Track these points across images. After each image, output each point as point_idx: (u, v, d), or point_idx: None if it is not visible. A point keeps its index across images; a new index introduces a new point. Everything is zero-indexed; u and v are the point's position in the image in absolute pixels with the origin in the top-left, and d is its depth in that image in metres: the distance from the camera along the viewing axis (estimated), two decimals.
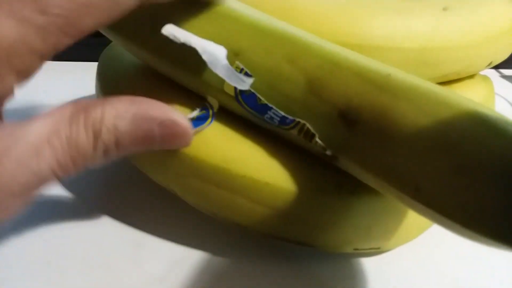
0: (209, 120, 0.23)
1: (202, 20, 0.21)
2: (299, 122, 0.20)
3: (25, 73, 0.16)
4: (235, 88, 0.21)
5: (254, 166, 0.22)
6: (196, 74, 0.22)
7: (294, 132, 0.21)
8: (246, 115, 0.22)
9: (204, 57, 0.20)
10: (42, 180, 0.17)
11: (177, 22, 0.21)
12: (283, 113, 0.20)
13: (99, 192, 0.30)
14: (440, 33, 0.28)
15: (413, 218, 0.24)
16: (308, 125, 0.20)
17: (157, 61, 0.24)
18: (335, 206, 0.22)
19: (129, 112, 0.18)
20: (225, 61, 0.20)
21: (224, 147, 0.22)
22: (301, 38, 0.21)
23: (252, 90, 0.21)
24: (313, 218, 0.22)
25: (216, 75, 0.21)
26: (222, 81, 0.21)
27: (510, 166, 0.15)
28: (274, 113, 0.21)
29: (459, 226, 0.15)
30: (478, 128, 0.16)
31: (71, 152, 0.17)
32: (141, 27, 0.23)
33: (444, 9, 0.29)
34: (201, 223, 0.27)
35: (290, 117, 0.20)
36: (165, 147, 0.21)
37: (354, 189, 0.22)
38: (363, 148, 0.19)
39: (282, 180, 0.22)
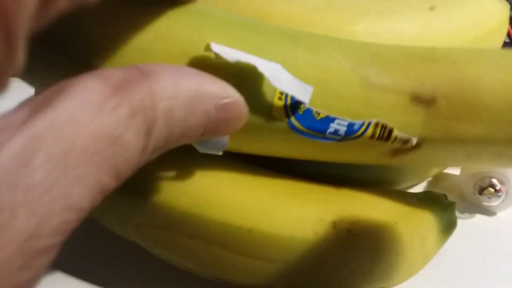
0: None
1: (225, 35, 0.17)
2: (370, 122, 0.17)
3: None
4: (286, 110, 0.17)
5: (234, 210, 0.18)
6: None
7: (366, 137, 0.18)
8: (291, 147, 0.19)
9: (266, 73, 0.16)
10: (80, 214, 0.11)
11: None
12: (349, 120, 0.17)
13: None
14: (427, 35, 0.26)
15: (415, 251, 0.21)
16: (382, 121, 0.18)
17: None
18: (332, 249, 0.19)
19: (182, 89, 0.13)
20: (288, 74, 0.16)
21: (195, 189, 0.19)
22: (331, 39, 0.19)
23: (307, 106, 0.17)
24: (307, 266, 0.19)
25: (258, 103, 0.17)
26: (267, 108, 0.17)
27: None
28: (338, 124, 0.17)
29: None
30: None
31: (116, 161, 0.11)
32: None
33: (431, 8, 0.28)
34: (173, 275, 0.23)
35: (359, 122, 0.17)
36: (210, 136, 0.15)
37: (351, 226, 0.19)
38: (452, 120, 0.18)
39: (268, 225, 0.18)
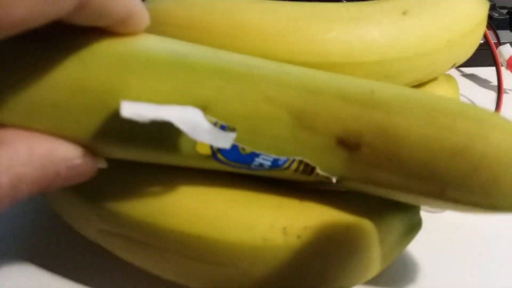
0: None
1: (149, 80, 0.17)
2: (294, 159, 0.18)
3: None
4: (212, 147, 0.18)
5: (185, 218, 0.19)
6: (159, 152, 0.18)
7: (290, 170, 0.18)
8: (223, 169, 0.19)
9: (183, 127, 0.15)
10: None
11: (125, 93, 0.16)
12: (274, 156, 0.18)
13: (24, 240, 0.27)
14: (400, 42, 0.26)
15: (371, 253, 0.21)
16: (306, 159, 0.18)
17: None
18: (281, 255, 0.19)
19: (34, 156, 0.15)
20: (207, 124, 0.16)
21: (149, 198, 0.19)
22: (271, 71, 0.18)
23: (234, 142, 0.17)
24: (258, 271, 0.19)
25: (183, 143, 0.17)
26: (191, 145, 0.17)
27: None
28: (263, 159, 0.18)
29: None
30: (481, 128, 0.17)
31: None
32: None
33: (404, 13, 0.27)
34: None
35: (283, 158, 0.18)
36: (63, 186, 0.17)
37: (301, 232, 0.19)
38: (371, 167, 0.18)
39: (218, 231, 0.19)
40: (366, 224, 0.21)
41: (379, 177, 0.18)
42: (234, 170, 0.19)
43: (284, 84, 0.18)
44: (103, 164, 0.18)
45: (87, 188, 0.20)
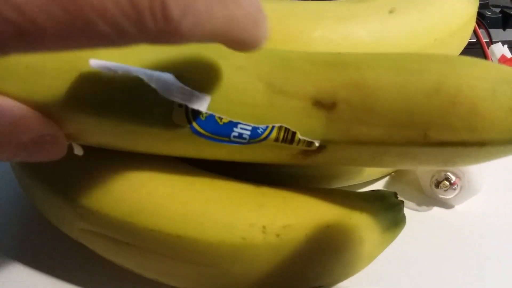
0: None
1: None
2: (273, 126, 0.18)
3: None
4: (187, 116, 0.17)
5: (164, 217, 0.19)
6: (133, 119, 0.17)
7: (270, 140, 0.18)
8: (201, 150, 0.19)
9: (154, 84, 0.16)
10: None
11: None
12: (252, 124, 0.18)
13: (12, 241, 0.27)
14: (387, 41, 0.26)
15: (351, 252, 0.21)
16: (285, 125, 0.18)
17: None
18: (261, 253, 0.19)
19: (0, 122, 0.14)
20: (178, 83, 0.16)
21: (129, 197, 0.19)
22: None
23: (209, 112, 0.17)
24: (238, 269, 0.19)
25: (159, 112, 0.17)
26: (167, 115, 0.17)
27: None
28: (242, 128, 0.18)
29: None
30: (451, 65, 0.17)
31: None
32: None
33: (391, 11, 0.27)
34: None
35: (262, 126, 0.18)
36: (27, 160, 0.16)
37: (280, 231, 0.19)
38: (351, 124, 0.18)
39: (197, 231, 0.19)
40: (347, 222, 0.21)
41: (360, 132, 0.18)
42: (217, 156, 0.19)
43: (255, 55, 0.18)
44: (79, 151, 0.18)
45: (67, 187, 0.20)
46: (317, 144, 0.18)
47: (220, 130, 0.18)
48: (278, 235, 0.19)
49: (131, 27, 0.10)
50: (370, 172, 0.29)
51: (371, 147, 0.18)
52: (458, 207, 0.30)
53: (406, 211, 0.24)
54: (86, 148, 0.19)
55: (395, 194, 0.24)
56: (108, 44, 0.11)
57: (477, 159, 0.18)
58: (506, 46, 0.40)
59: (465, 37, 0.30)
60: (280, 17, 0.25)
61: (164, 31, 0.11)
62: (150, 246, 0.19)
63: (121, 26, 0.10)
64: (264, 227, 0.19)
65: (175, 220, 0.19)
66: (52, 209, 0.21)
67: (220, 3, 0.12)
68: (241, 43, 0.13)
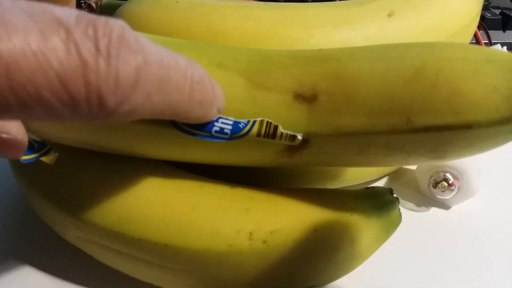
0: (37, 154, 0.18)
1: None
2: (255, 121, 0.17)
3: None
4: None
5: (151, 227, 0.18)
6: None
7: (253, 135, 0.17)
8: (184, 148, 0.18)
9: None
10: None
11: None
12: (233, 119, 0.17)
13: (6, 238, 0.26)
14: None
15: (342, 253, 0.21)
16: (266, 119, 0.17)
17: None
18: (247, 259, 0.19)
19: None
20: None
21: (117, 207, 0.19)
22: (220, 45, 0.19)
23: None
24: (225, 275, 0.19)
25: None
26: None
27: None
28: (223, 123, 0.17)
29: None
30: (431, 49, 0.17)
31: None
32: None
33: (389, 15, 0.26)
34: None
35: (243, 120, 0.17)
36: None
37: (267, 236, 0.19)
38: (333, 114, 0.17)
39: (183, 239, 0.18)
40: (337, 223, 0.20)
41: (343, 123, 0.17)
42: (202, 157, 0.18)
43: (234, 53, 0.18)
44: (50, 161, 0.17)
45: (59, 198, 0.20)
46: (299, 137, 0.17)
47: (201, 125, 0.17)
48: (264, 241, 0.18)
49: (67, 113, 0.11)
50: (367, 172, 0.29)
51: (355, 138, 0.17)
52: (455, 208, 0.29)
53: (403, 211, 0.23)
54: (75, 159, 0.19)
55: (391, 191, 0.23)
56: (47, 120, 0.11)
57: (470, 147, 0.17)
58: (505, 47, 0.39)
59: (466, 39, 0.29)
60: (276, 25, 0.24)
61: (99, 116, 0.11)
62: (139, 254, 0.19)
63: (57, 112, 0.10)
64: (250, 233, 0.19)
65: (162, 229, 0.18)
66: (50, 217, 0.21)
67: (159, 92, 0.12)
68: (187, 119, 0.14)
